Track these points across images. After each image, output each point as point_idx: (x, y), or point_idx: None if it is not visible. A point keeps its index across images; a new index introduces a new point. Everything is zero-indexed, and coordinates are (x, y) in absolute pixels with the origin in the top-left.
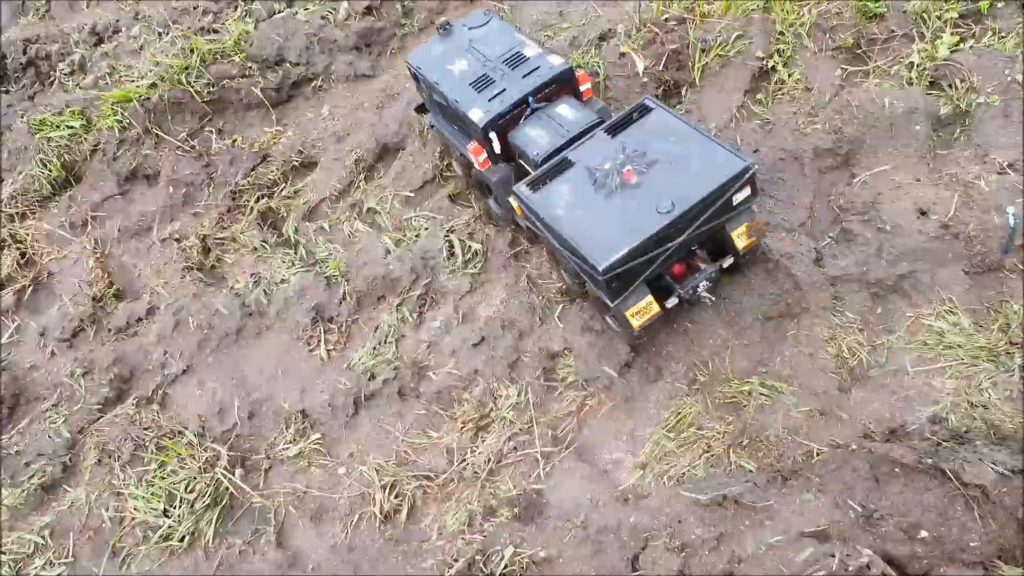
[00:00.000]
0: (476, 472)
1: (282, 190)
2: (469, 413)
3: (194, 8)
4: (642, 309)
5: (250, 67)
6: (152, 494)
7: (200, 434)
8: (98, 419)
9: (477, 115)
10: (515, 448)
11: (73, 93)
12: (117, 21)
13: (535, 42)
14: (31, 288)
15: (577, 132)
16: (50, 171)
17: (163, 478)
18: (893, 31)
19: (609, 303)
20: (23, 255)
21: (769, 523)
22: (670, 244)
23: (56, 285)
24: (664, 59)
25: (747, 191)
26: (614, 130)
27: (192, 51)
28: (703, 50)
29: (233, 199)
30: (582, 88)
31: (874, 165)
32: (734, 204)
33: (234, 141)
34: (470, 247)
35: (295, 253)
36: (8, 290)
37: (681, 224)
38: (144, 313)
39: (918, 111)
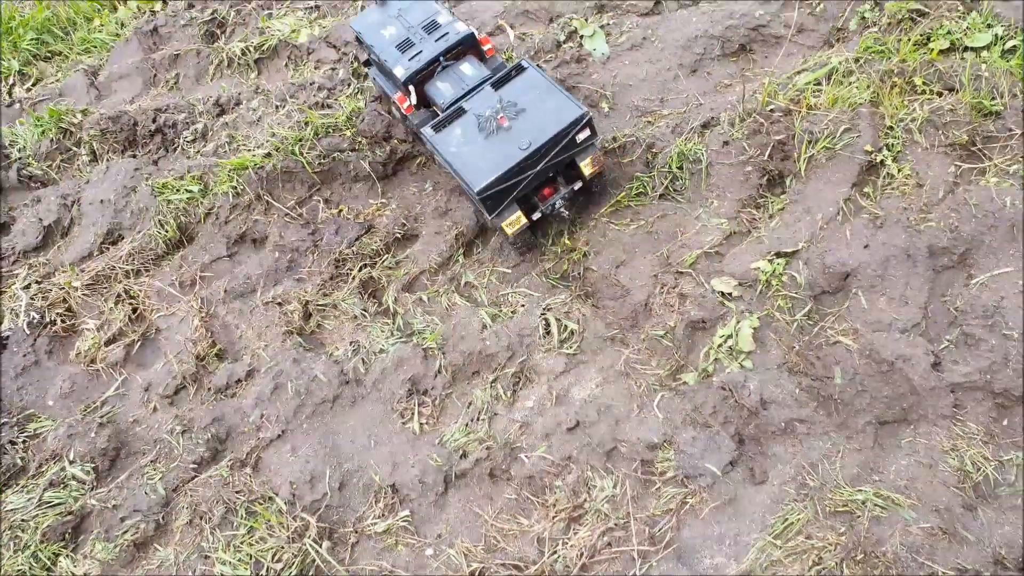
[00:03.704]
0: (567, 566)
1: (384, 261)
2: (561, 502)
3: (310, 84)
4: (513, 221)
5: (359, 142)
6: (239, 560)
7: (290, 502)
8: (193, 478)
9: (400, 71)
10: (609, 544)
11: (194, 160)
12: (239, 94)
13: (448, 11)
14: (139, 343)
15: (473, 85)
16: (166, 231)
17: (251, 544)
18: (1011, 129)
19: (488, 216)
20: (135, 310)
21: None
22: (530, 172)
23: (162, 341)
24: (769, 149)
25: (587, 132)
26: (497, 84)
27: (306, 124)
28: (809, 142)
29: (336, 267)
30: (485, 48)
31: (995, 267)
32: (578, 142)
33: (340, 211)
34: (566, 326)
35: (393, 323)
36: (119, 344)
37: (536, 157)
38: (244, 375)
39: None
